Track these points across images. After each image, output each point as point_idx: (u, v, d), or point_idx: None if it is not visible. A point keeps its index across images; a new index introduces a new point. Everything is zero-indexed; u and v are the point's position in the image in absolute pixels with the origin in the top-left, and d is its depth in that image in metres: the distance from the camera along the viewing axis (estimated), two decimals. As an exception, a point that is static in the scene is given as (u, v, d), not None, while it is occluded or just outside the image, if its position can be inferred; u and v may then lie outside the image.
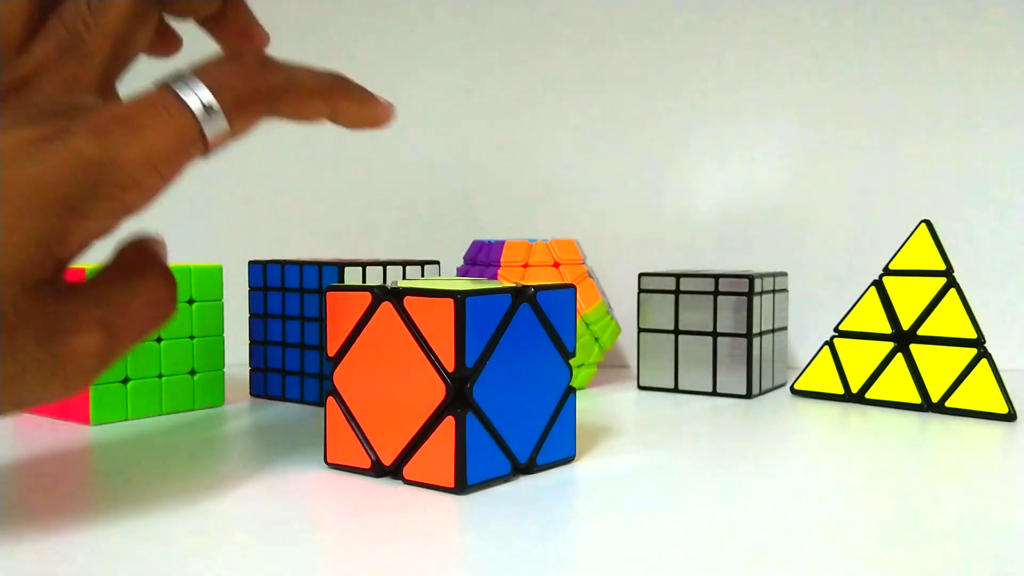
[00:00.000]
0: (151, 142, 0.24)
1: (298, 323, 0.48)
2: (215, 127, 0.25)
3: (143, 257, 0.27)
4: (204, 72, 0.26)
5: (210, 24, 0.31)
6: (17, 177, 0.23)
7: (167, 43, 0.31)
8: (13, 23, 0.26)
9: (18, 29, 0.26)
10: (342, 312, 0.33)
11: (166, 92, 0.25)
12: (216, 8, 0.30)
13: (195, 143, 0.25)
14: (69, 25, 0.26)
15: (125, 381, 0.43)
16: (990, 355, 0.44)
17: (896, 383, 0.47)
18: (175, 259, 0.31)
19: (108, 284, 0.26)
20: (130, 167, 0.24)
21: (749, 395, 0.50)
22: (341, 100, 0.29)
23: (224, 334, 0.47)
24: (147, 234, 0.28)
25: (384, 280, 0.48)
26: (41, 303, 0.23)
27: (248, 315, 0.51)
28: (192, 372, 0.46)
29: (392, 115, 0.31)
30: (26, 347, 0.23)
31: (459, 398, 0.31)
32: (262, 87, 0.27)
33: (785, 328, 0.54)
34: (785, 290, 0.54)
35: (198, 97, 0.25)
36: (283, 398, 0.49)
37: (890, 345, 0.47)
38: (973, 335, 0.44)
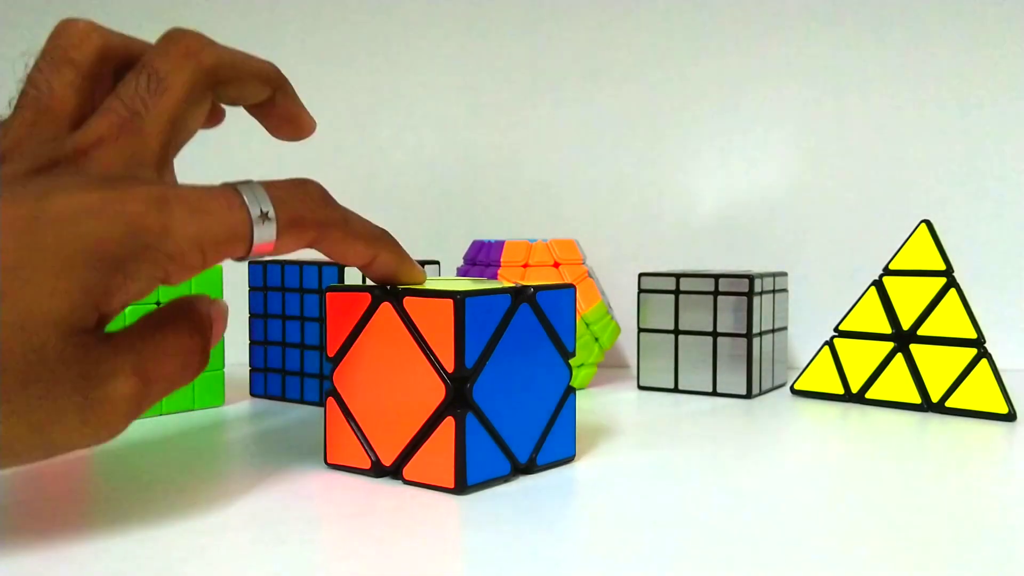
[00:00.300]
0: (205, 225, 0.26)
1: (298, 323, 0.48)
2: (264, 235, 0.27)
3: (178, 311, 0.28)
4: (270, 186, 0.28)
5: (259, 109, 0.32)
6: (74, 232, 0.24)
7: (213, 116, 0.32)
8: (65, 96, 0.27)
9: (70, 102, 0.28)
10: (342, 312, 0.33)
11: (231, 190, 0.27)
12: (266, 96, 0.31)
13: (242, 242, 0.27)
14: (129, 104, 0.27)
15: (125, 381, 0.43)
16: (990, 355, 0.44)
17: (896, 383, 0.47)
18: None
19: (140, 333, 0.26)
20: (180, 241, 0.25)
21: (749, 395, 0.50)
22: (382, 250, 0.31)
23: (224, 334, 0.47)
24: (203, 296, 0.29)
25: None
26: (81, 350, 0.24)
27: (248, 315, 0.51)
28: (192, 372, 0.46)
29: (424, 280, 0.33)
30: (63, 392, 0.24)
31: (459, 398, 0.31)
32: (318, 217, 0.29)
33: (785, 328, 0.54)
34: (785, 290, 0.54)
35: (259, 204, 0.27)
36: (283, 398, 0.49)
37: (890, 345, 0.47)
38: (973, 335, 0.44)
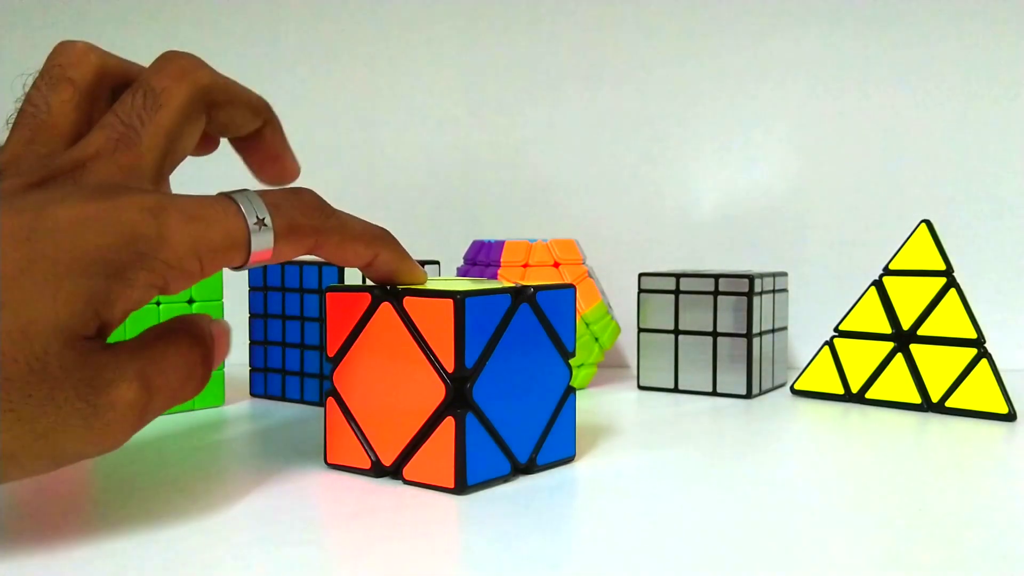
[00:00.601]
0: (201, 233, 0.26)
1: (298, 323, 0.48)
2: (262, 243, 0.27)
3: (178, 325, 0.28)
4: (266, 194, 0.28)
5: (245, 144, 0.32)
6: (73, 241, 0.24)
7: (206, 144, 0.32)
8: (63, 113, 0.28)
9: (68, 119, 0.28)
10: (342, 312, 0.33)
11: (227, 198, 0.27)
12: (256, 127, 0.32)
13: (239, 249, 0.27)
14: (125, 119, 0.27)
15: (125, 381, 0.43)
16: (990, 355, 0.44)
17: (896, 383, 0.47)
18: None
19: (143, 343, 0.26)
20: (177, 248, 0.25)
21: (749, 395, 0.50)
22: (382, 250, 0.31)
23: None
24: (204, 315, 0.29)
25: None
26: (83, 356, 0.24)
27: (248, 315, 0.51)
28: (192, 372, 0.46)
29: (425, 279, 0.33)
30: (67, 398, 0.24)
31: (459, 398, 0.31)
32: (315, 223, 0.29)
33: (785, 328, 0.54)
34: (785, 290, 0.54)
35: (255, 211, 0.27)
36: (283, 398, 0.49)
37: (890, 345, 0.47)
38: (973, 335, 0.44)
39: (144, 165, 0.27)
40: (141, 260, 0.25)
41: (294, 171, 0.34)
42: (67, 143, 0.28)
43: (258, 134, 0.32)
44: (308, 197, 0.29)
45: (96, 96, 0.29)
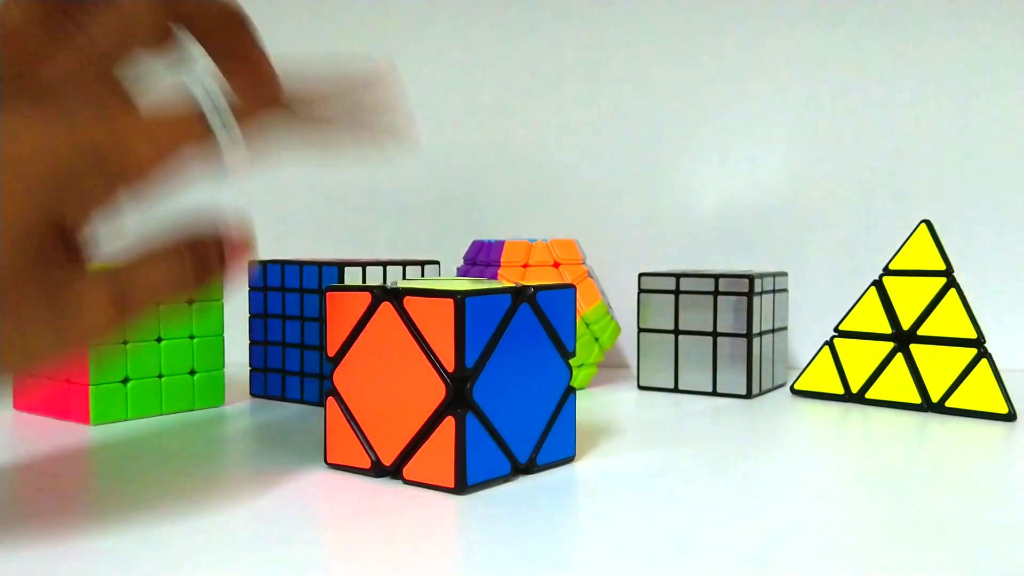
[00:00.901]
0: (154, 126, 0.25)
1: (298, 323, 0.48)
2: (221, 121, 0.27)
3: (174, 231, 0.27)
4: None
5: (212, 45, 0.30)
6: (22, 148, 0.24)
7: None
8: (23, 29, 0.27)
9: (28, 35, 0.27)
10: (342, 312, 0.33)
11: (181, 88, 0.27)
12: (225, 27, 0.29)
13: (196, 129, 0.26)
14: (89, 31, 0.26)
15: (125, 381, 0.43)
16: (990, 355, 0.44)
17: (896, 383, 0.47)
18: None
19: (125, 261, 0.26)
20: (135, 151, 0.25)
21: (749, 395, 0.50)
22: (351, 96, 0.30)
23: (224, 334, 0.47)
24: (216, 220, 0.28)
25: (384, 280, 0.48)
26: (42, 263, 0.24)
27: (248, 315, 0.51)
28: (192, 372, 0.46)
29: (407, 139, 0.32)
30: (24, 306, 0.24)
31: (459, 398, 0.31)
32: (273, 87, 0.28)
33: (785, 328, 0.54)
34: (785, 290, 0.54)
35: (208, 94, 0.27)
36: (283, 398, 0.49)
37: (890, 345, 0.47)
38: (973, 335, 0.44)
39: (104, 75, 0.26)
40: (97, 164, 0.24)
41: (271, 76, 0.30)
42: (27, 57, 0.27)
43: (226, 36, 0.29)
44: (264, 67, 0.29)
45: (58, 10, 0.27)
